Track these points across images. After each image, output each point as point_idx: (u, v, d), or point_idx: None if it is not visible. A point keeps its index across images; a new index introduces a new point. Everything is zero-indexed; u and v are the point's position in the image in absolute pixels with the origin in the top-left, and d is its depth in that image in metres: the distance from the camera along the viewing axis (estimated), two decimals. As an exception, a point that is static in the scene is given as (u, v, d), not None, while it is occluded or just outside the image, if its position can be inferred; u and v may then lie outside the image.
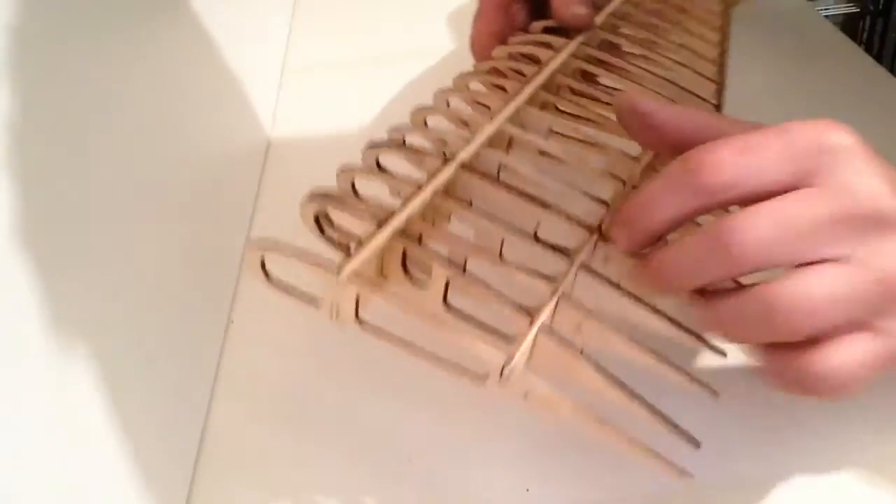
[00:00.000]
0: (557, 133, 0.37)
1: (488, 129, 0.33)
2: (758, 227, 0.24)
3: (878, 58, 0.97)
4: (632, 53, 0.40)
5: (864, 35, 1.05)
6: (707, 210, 0.26)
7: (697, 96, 0.38)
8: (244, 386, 0.38)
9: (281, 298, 0.42)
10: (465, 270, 0.29)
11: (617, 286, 0.28)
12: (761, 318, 0.25)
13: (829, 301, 0.25)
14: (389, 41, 0.65)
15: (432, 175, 0.30)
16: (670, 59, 0.40)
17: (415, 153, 0.32)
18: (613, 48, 0.40)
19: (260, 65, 0.60)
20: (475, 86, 0.39)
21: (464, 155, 0.31)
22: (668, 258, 0.27)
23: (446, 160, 0.31)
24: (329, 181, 0.51)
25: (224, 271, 0.44)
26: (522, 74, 0.37)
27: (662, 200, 0.26)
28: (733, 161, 0.25)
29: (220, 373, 0.39)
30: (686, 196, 0.26)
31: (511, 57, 0.39)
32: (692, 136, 0.28)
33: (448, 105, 0.37)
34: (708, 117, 0.29)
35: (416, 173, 0.31)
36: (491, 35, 0.42)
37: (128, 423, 0.29)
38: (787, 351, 0.26)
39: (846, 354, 0.25)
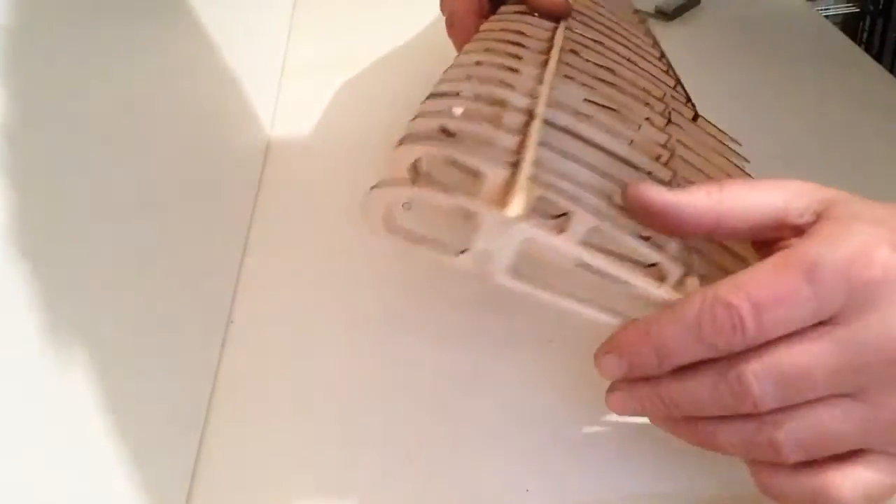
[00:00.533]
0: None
1: (544, 91, 0.32)
2: (774, 381, 0.25)
3: (878, 58, 0.97)
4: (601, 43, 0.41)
5: (864, 35, 1.05)
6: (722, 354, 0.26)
7: (667, 84, 0.39)
8: (244, 386, 0.38)
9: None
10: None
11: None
12: (766, 447, 0.26)
13: (836, 437, 0.25)
14: (389, 41, 0.65)
15: (525, 126, 0.29)
16: (634, 52, 0.41)
17: (493, 105, 0.31)
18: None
19: (260, 65, 0.60)
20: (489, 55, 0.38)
21: (540, 109, 0.30)
22: (676, 391, 0.27)
23: (531, 116, 0.30)
24: (328, 181, 0.52)
25: (224, 271, 0.44)
26: (523, 46, 0.37)
27: (678, 348, 0.26)
28: (758, 320, 0.25)
29: (220, 373, 0.39)
30: (704, 348, 0.26)
31: (506, 30, 0.39)
32: (696, 224, 0.28)
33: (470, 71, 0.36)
34: (707, 202, 0.28)
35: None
36: (472, 13, 0.42)
37: (128, 423, 0.29)
38: (793, 473, 0.26)
39: (853, 482, 0.26)
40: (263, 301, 0.43)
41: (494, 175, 0.27)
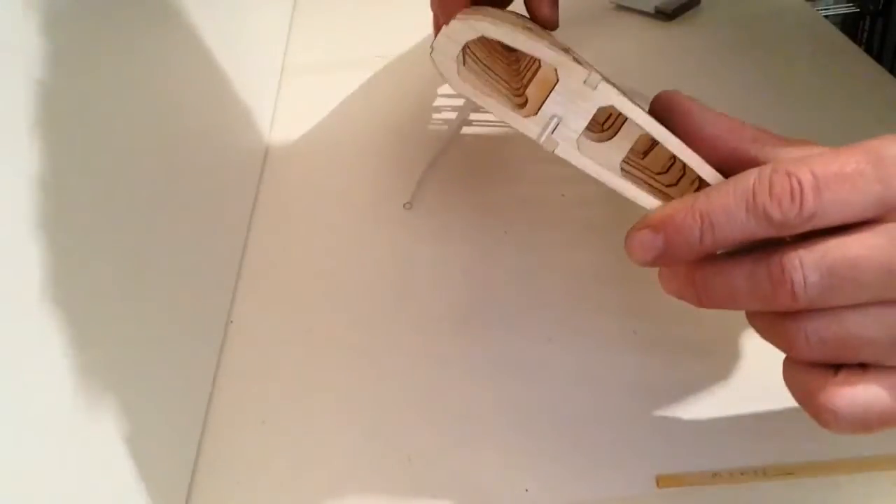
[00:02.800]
0: None
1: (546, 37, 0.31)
2: (820, 271, 0.23)
3: (878, 58, 0.96)
4: None
5: (864, 35, 1.05)
6: (774, 237, 0.24)
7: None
8: (244, 386, 0.38)
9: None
10: None
11: None
12: (782, 335, 0.24)
13: (859, 342, 0.23)
14: (388, 43, 0.65)
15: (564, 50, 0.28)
16: None
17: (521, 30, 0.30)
18: None
19: (260, 65, 0.60)
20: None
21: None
22: (715, 281, 0.25)
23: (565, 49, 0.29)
24: (327, 182, 0.52)
25: (224, 271, 0.44)
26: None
27: (725, 218, 0.24)
28: (817, 193, 0.22)
29: (220, 372, 0.39)
30: (755, 221, 0.23)
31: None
32: (717, 138, 0.26)
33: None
34: (733, 122, 0.26)
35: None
36: None
37: (127, 423, 0.29)
38: (811, 373, 0.24)
39: (854, 396, 0.23)
40: (263, 301, 0.43)
41: (558, 56, 0.25)
